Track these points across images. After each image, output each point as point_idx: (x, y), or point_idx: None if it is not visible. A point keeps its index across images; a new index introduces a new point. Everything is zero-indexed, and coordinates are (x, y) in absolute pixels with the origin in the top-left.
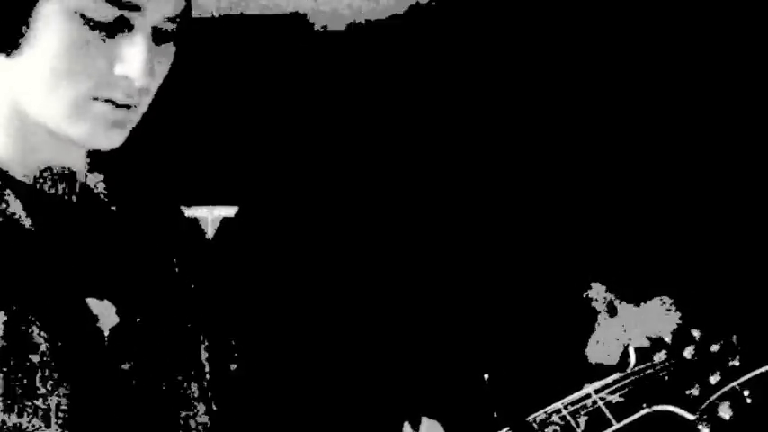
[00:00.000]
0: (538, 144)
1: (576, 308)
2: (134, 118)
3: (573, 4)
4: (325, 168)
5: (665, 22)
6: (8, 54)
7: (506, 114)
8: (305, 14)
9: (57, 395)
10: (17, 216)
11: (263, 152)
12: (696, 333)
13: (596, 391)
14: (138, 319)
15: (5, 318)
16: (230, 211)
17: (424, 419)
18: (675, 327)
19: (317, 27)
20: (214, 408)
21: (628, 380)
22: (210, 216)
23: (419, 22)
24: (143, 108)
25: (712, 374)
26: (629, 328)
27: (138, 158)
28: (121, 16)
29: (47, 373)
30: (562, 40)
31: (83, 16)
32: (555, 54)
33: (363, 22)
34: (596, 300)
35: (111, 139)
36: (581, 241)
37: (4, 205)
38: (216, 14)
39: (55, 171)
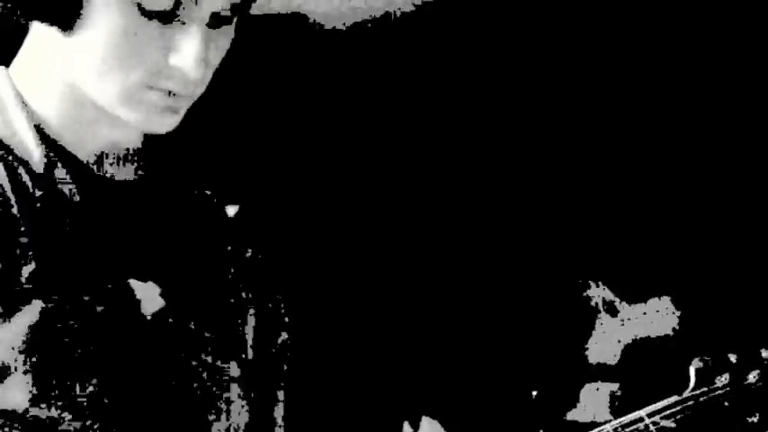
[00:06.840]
0: (539, 144)
1: (575, 308)
2: (187, 104)
3: (570, 3)
4: (323, 167)
5: (665, 23)
6: (65, 30)
7: (505, 113)
8: (299, 14)
9: (90, 386)
10: (66, 191)
11: (262, 151)
12: (765, 354)
13: (649, 416)
14: (183, 303)
15: (43, 306)
16: (231, 211)
17: (424, 419)
18: (743, 347)
19: (311, 26)
20: (252, 392)
21: (684, 404)
22: None
23: (418, 21)
24: (198, 94)
25: None
26: (629, 328)
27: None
28: (178, 3)
29: (81, 364)
30: (559, 37)
31: (139, 5)
32: (552, 52)
33: (361, 21)
34: (596, 300)
35: (165, 124)
36: (581, 241)
37: (54, 178)
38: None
39: (111, 148)
